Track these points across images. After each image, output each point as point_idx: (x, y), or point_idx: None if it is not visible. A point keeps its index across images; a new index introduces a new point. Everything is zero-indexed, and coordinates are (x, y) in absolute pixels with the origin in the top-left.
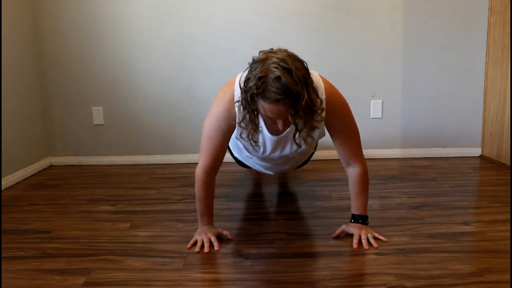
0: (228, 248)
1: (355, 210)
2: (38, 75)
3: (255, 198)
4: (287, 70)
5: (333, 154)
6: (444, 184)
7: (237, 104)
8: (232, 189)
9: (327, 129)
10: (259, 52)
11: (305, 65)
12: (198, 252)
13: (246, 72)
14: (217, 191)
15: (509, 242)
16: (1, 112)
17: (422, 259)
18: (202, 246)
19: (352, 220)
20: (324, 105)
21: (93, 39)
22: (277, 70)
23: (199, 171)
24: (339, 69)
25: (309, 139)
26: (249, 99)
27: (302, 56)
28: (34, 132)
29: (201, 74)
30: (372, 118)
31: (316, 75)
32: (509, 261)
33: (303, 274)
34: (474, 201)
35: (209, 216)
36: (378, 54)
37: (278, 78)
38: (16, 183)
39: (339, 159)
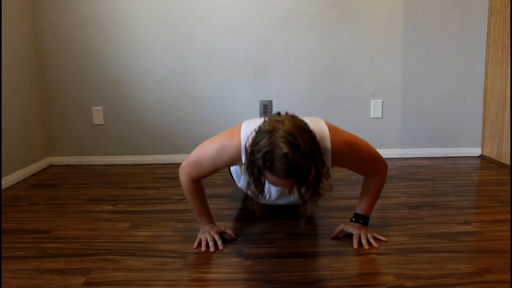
0: (228, 248)
1: (360, 210)
2: (38, 75)
3: None
4: (294, 146)
5: None
6: (444, 184)
7: (242, 157)
8: (232, 189)
9: (340, 166)
10: (264, 118)
11: (313, 134)
12: (205, 252)
13: (252, 132)
14: (217, 191)
15: (509, 242)
16: (1, 112)
17: (422, 259)
18: (207, 245)
19: (353, 219)
20: (330, 164)
21: (93, 39)
22: (285, 145)
23: (184, 177)
24: (339, 69)
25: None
26: (255, 171)
27: (302, 56)
28: (34, 132)
29: (201, 74)
30: (372, 118)
31: (319, 124)
32: (509, 261)
33: (303, 274)
34: (474, 201)
35: (207, 215)
36: (378, 54)
37: (285, 154)
38: (16, 183)
39: None
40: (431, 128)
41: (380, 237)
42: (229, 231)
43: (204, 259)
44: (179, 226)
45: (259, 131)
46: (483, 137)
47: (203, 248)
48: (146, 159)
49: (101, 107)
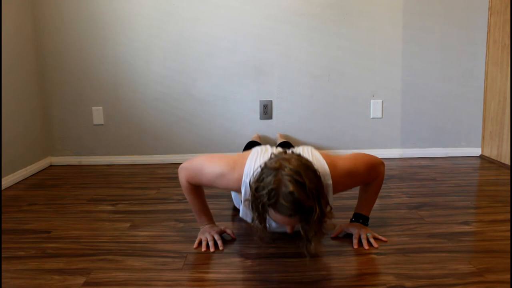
0: (228, 248)
1: (359, 209)
2: (38, 75)
3: None
4: (300, 185)
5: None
6: (444, 184)
7: (246, 202)
8: None
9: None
10: (271, 155)
11: (318, 173)
12: (205, 252)
13: (257, 168)
14: (217, 191)
15: (509, 242)
16: (1, 112)
17: (422, 259)
18: (207, 245)
19: (353, 219)
20: (332, 199)
21: (93, 39)
22: (290, 184)
23: (183, 178)
24: (339, 69)
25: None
26: (260, 207)
27: (302, 56)
28: (34, 132)
29: (201, 74)
30: (372, 118)
31: (318, 159)
32: (509, 261)
33: (303, 274)
34: (474, 201)
35: (207, 215)
36: (378, 54)
37: (291, 193)
38: (16, 183)
39: None
40: (431, 128)
41: (380, 237)
42: (228, 231)
43: (204, 259)
44: (179, 226)
45: (265, 168)
46: (483, 137)
47: (203, 248)
48: (146, 159)
49: (101, 107)
